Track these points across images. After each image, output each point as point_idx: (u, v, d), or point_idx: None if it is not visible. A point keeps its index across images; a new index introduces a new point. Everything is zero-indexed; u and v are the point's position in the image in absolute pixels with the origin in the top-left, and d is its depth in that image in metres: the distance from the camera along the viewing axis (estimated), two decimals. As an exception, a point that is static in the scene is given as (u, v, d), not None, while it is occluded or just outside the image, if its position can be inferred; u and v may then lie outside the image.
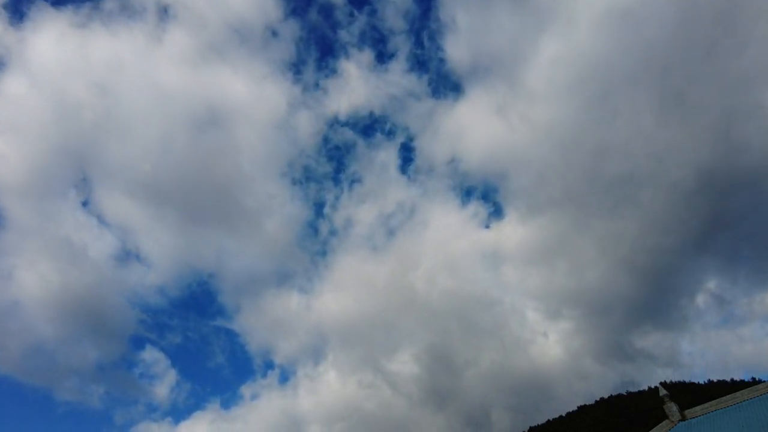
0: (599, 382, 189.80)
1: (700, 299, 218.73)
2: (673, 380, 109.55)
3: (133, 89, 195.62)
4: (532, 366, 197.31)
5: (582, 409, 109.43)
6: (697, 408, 25.87)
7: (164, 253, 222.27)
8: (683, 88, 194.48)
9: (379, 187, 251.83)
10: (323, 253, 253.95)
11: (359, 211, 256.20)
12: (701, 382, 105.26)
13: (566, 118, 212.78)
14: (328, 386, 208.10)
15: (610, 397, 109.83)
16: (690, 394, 73.82)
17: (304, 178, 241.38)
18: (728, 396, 25.12)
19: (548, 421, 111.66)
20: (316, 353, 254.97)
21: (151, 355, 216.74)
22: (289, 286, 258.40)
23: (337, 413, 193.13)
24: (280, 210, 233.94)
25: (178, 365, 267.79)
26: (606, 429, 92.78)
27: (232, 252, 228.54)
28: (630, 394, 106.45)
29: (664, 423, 26.23)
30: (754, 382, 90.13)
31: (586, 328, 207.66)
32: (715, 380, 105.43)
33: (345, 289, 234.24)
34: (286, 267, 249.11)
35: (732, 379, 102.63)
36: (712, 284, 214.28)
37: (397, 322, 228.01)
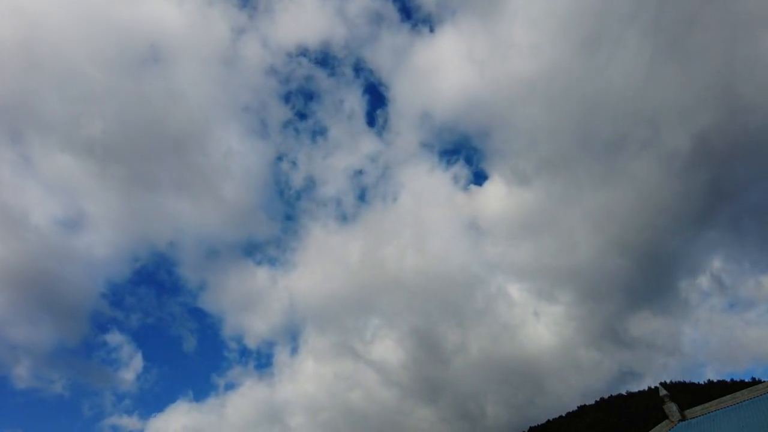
0: (595, 373, 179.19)
1: (703, 281, 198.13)
2: (674, 376, 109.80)
3: (65, 28, 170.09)
4: (523, 354, 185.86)
5: (582, 409, 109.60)
6: (697, 408, 25.85)
7: (114, 219, 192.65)
8: (679, 35, 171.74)
9: (346, 139, 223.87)
10: (290, 218, 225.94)
11: (326, 170, 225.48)
12: (701, 382, 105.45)
13: (553, 67, 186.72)
14: (308, 374, 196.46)
15: (610, 397, 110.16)
16: (690, 394, 73.76)
17: (261, 127, 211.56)
18: (728, 396, 25.10)
19: (548, 421, 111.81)
20: (292, 336, 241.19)
21: (114, 338, 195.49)
22: (256, 259, 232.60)
23: (320, 403, 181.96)
24: (239, 168, 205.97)
25: (144, 349, 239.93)
26: (606, 429, 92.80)
27: (189, 219, 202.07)
28: (630, 394, 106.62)
29: (664, 423, 26.20)
30: (754, 382, 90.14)
31: (580, 314, 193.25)
32: (715, 380, 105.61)
33: (316, 264, 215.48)
34: (251, 236, 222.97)
35: (732, 379, 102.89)
36: (715, 264, 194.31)
37: (375, 302, 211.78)
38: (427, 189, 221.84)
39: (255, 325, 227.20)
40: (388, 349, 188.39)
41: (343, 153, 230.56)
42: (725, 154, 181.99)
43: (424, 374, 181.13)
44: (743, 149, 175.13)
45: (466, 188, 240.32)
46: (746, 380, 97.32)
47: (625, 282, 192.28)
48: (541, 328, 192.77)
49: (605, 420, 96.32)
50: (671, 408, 26.32)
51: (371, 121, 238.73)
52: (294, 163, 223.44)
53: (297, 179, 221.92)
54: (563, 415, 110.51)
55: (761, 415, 22.32)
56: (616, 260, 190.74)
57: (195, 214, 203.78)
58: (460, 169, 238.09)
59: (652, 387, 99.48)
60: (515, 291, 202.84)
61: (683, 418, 25.79)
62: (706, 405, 25.60)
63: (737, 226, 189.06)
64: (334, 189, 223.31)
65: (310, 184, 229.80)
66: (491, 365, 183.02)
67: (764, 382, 25.28)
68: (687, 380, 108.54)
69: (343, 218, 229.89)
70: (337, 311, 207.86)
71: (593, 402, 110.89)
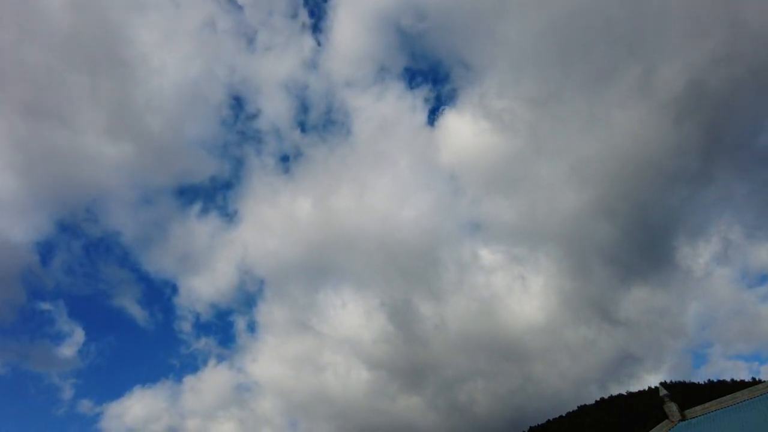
0: (588, 356, 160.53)
1: (706, 249, 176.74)
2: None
3: None
4: (506, 333, 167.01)
5: (582, 409, 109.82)
6: (697, 408, 25.84)
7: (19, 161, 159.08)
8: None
9: (283, 48, 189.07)
10: (224, 154, 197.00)
11: (258, 77, 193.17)
12: (701, 382, 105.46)
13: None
14: (272, 351, 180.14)
15: (610, 397, 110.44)
16: (690, 394, 73.77)
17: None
18: (728, 396, 25.10)
19: (548, 420, 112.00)
20: (248, 303, 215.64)
21: (51, 308, 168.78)
22: (195, 209, 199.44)
23: (290, 385, 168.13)
24: (155, 75, 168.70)
25: (84, 323, 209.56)
26: (606, 429, 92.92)
27: (107, 155, 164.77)
28: (630, 394, 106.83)
29: (664, 423, 26.21)
30: (754, 382, 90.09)
31: (565, 287, 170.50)
32: (715, 380, 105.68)
33: (261, 217, 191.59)
34: (183, 178, 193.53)
35: (732, 379, 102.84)
36: (720, 228, 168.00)
37: (334, 266, 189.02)
38: (387, 116, 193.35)
39: (206, 292, 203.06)
40: (356, 325, 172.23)
41: (278, 64, 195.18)
42: (727, 93, 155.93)
43: (402, 355, 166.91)
44: (748, 86, 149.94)
45: (431, 122, 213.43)
46: (746, 380, 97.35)
47: (616, 250, 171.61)
48: (522, 304, 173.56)
49: (605, 420, 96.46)
50: (671, 408, 26.32)
51: (316, 27, 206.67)
52: (219, 78, 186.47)
53: (224, 96, 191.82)
54: (563, 414, 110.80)
55: (761, 415, 22.32)
56: (604, 224, 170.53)
57: (112, 150, 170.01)
58: (427, 99, 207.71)
59: (653, 387, 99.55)
60: (491, 257, 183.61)
61: (683, 418, 25.78)
62: (706, 405, 25.59)
63: (744, 179, 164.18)
64: (270, 123, 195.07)
65: (240, 104, 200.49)
66: (473, 346, 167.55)
67: (764, 382, 25.29)
68: (687, 380, 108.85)
69: (285, 158, 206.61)
70: (293, 278, 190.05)
71: (593, 402, 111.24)
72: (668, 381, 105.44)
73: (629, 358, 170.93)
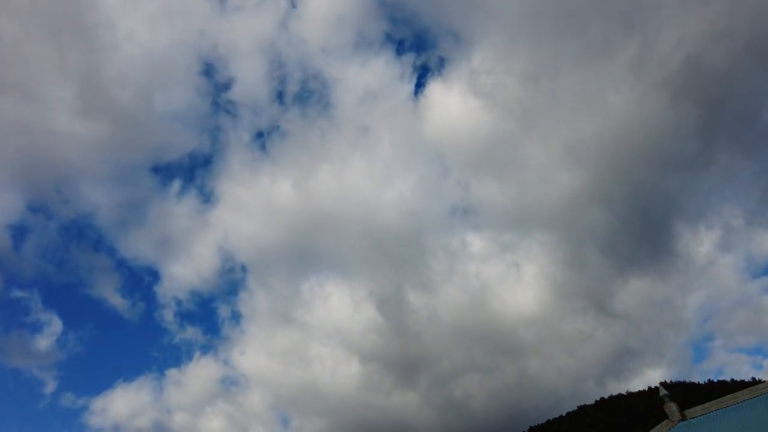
0: (585, 350, 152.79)
1: (707, 236, 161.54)
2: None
3: None
4: (499, 325, 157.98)
5: (582, 409, 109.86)
6: (697, 408, 25.80)
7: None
8: None
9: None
10: (199, 126, 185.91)
11: (230, 42, 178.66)
12: (701, 382, 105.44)
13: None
14: (261, 343, 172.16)
15: (610, 397, 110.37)
16: (690, 394, 73.75)
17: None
18: (728, 396, 25.08)
19: (548, 420, 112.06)
20: (231, 290, 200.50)
21: (22, 294, 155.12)
22: (177, 188, 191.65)
23: (278, 378, 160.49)
24: (124, 43, 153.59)
25: (61, 312, 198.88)
26: (606, 429, 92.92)
27: (77, 132, 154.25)
28: (630, 394, 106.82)
29: (664, 423, 26.17)
30: (754, 382, 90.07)
31: (560, 277, 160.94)
32: (715, 380, 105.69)
33: (239, 197, 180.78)
34: (162, 151, 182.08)
35: (732, 379, 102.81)
36: (722, 212, 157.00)
37: (318, 252, 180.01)
38: (369, 92, 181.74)
39: (187, 279, 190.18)
40: (345, 316, 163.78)
41: (250, 27, 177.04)
42: (726, 69, 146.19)
43: (394, 348, 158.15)
44: (749, 61, 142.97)
45: (416, 95, 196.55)
46: (746, 380, 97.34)
47: (613, 238, 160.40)
48: (515, 294, 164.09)
49: (605, 420, 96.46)
50: (671, 408, 26.27)
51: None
52: (189, 43, 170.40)
53: (195, 63, 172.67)
54: (563, 414, 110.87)
55: (761, 415, 22.33)
56: (600, 211, 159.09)
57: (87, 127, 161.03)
58: (413, 68, 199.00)
59: (653, 386, 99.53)
60: (481, 244, 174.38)
61: (683, 418, 25.75)
62: (706, 405, 25.55)
63: (747, 160, 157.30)
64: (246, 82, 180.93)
65: (212, 72, 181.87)
66: (466, 339, 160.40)
67: (764, 382, 25.28)
68: (687, 374, 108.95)
69: (261, 134, 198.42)
70: (276, 265, 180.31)
71: (593, 402, 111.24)
72: (668, 381, 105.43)
73: (628, 353, 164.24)
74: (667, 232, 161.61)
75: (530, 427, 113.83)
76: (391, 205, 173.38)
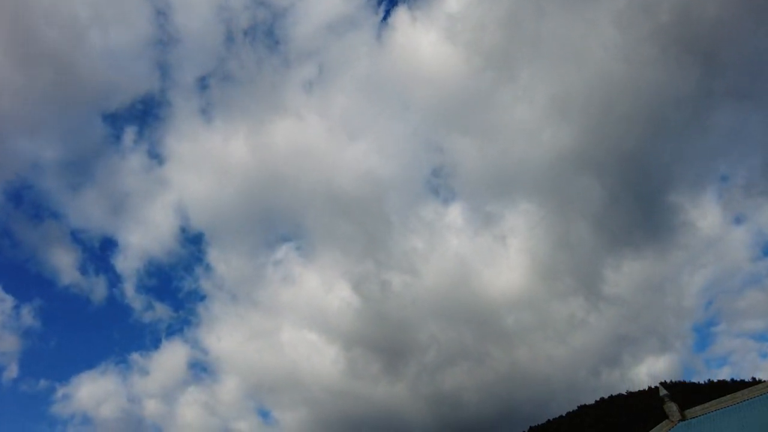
0: (577, 339, 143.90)
1: (709, 208, 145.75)
2: (674, 379, 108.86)
3: None
4: (484, 309, 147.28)
5: (582, 408, 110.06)
6: (697, 408, 25.82)
7: None
8: None
9: None
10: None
11: None
12: (701, 381, 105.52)
13: None
14: (231, 325, 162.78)
15: (610, 396, 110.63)
16: (690, 394, 73.79)
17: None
18: (728, 396, 25.10)
19: (548, 420, 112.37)
20: (194, 263, 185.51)
21: None
22: (128, 139, 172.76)
23: (252, 365, 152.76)
24: None
25: (12, 289, 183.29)
26: (606, 429, 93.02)
27: (7, 78, 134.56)
28: (630, 394, 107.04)
29: (664, 423, 26.17)
30: (754, 382, 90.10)
31: (546, 255, 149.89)
32: (715, 380, 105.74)
33: (192, 155, 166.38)
34: (103, 98, 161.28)
35: (732, 379, 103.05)
36: (727, 178, 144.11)
37: (278, 220, 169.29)
38: (326, 24, 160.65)
39: (146, 248, 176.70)
40: (320, 297, 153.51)
41: None
42: (723, 18, 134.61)
43: (374, 332, 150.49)
44: (748, 11, 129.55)
45: (382, 33, 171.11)
46: (746, 380, 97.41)
47: (604, 210, 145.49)
48: (499, 275, 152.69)
49: (605, 420, 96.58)
50: (671, 408, 26.27)
51: None
52: None
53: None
54: (563, 414, 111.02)
55: (761, 415, 22.34)
56: (589, 178, 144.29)
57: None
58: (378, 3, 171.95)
59: (653, 386, 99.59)
60: (460, 215, 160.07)
61: (683, 418, 25.74)
62: (706, 405, 25.56)
63: (755, 111, 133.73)
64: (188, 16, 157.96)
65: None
66: (451, 326, 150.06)
67: (764, 382, 25.33)
68: (687, 379, 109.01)
69: (206, 78, 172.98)
70: (238, 237, 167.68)
71: (593, 402, 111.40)
72: (669, 376, 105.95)
73: (624, 341, 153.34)
74: (664, 204, 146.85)
75: (530, 427, 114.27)
76: (354, 166, 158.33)
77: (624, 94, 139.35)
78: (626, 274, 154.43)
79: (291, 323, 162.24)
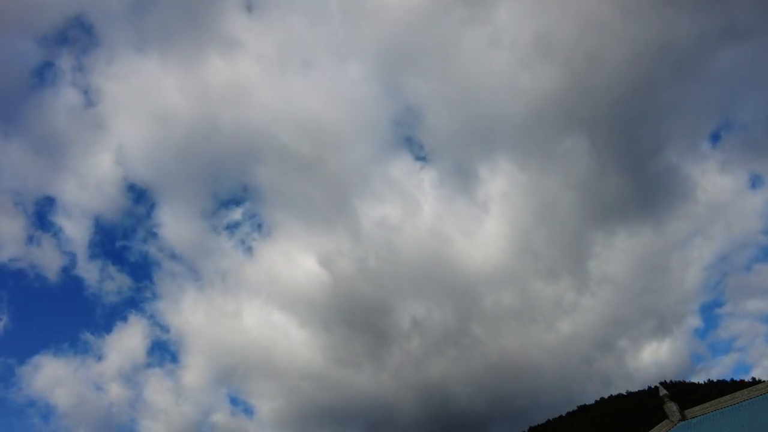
0: (570, 321, 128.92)
1: (715, 165, 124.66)
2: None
3: None
4: (462, 282, 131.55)
5: (582, 408, 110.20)
6: (697, 408, 25.84)
7: None
8: None
9: None
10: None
11: None
12: (701, 382, 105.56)
13: None
14: (193, 303, 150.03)
15: (610, 397, 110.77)
16: (690, 394, 73.81)
17: None
18: (728, 396, 25.13)
19: (548, 420, 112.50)
20: (143, 220, 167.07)
21: None
22: (48, 78, 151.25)
23: (218, 346, 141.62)
24: None
25: None
26: (606, 429, 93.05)
27: None
28: (630, 394, 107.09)
29: (664, 423, 26.18)
30: (754, 382, 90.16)
31: (525, 224, 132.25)
32: (715, 380, 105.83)
33: (130, 101, 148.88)
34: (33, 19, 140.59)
35: (732, 379, 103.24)
36: (740, 127, 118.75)
37: (227, 176, 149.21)
38: None
39: (89, 206, 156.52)
40: (286, 271, 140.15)
41: None
42: None
43: (351, 316, 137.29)
44: None
45: None
46: (746, 380, 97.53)
47: (593, 177, 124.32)
48: (477, 246, 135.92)
49: (605, 420, 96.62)
50: (671, 408, 26.29)
51: None
52: None
53: None
54: (563, 414, 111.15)
55: (761, 415, 22.37)
56: (577, 138, 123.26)
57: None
58: None
59: (652, 386, 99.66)
60: (431, 177, 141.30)
61: (683, 418, 25.76)
62: (706, 405, 25.59)
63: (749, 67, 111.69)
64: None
65: None
66: (433, 309, 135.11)
67: (764, 382, 25.38)
68: (687, 379, 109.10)
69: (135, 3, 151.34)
70: (185, 197, 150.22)
71: (593, 402, 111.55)
72: (668, 381, 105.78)
73: (620, 325, 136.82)
74: (659, 165, 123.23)
75: (530, 427, 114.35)
76: (302, 113, 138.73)
77: (611, 38, 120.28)
78: (620, 250, 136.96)
79: (255, 301, 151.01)
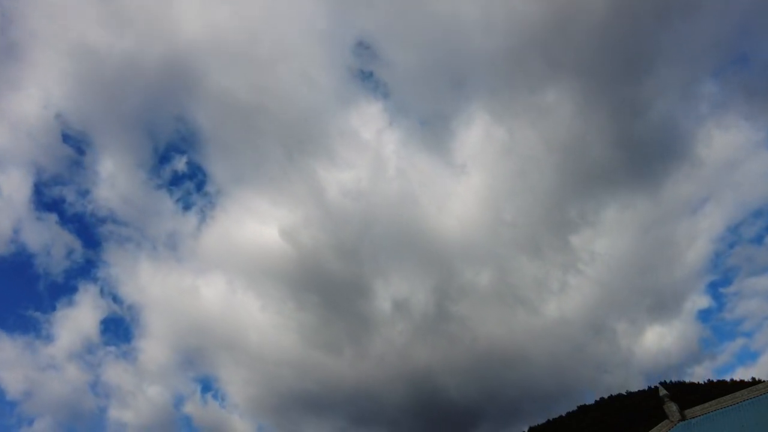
0: (558, 301, 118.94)
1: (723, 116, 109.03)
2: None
3: None
4: (439, 258, 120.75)
5: (582, 409, 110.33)
6: (697, 408, 25.84)
7: None
8: None
9: None
10: None
11: None
12: (701, 382, 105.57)
13: None
14: (152, 279, 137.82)
15: (610, 397, 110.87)
16: (690, 394, 73.83)
17: None
18: (728, 396, 25.15)
19: (548, 420, 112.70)
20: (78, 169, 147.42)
21: None
22: None
23: (178, 325, 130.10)
24: None
25: None
26: (606, 429, 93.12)
27: None
28: (630, 394, 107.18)
29: (663, 423, 26.17)
30: (754, 382, 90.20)
31: (502, 187, 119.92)
32: (715, 380, 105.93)
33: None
34: None
35: (732, 379, 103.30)
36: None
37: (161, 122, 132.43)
38: None
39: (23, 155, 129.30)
40: (242, 238, 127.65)
41: None
42: None
43: (318, 291, 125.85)
44: None
45: None
46: (746, 380, 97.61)
47: (571, 131, 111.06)
48: (447, 213, 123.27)
49: (605, 420, 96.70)
50: (671, 408, 26.28)
51: None
52: None
53: None
54: (563, 414, 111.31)
55: (761, 415, 22.42)
56: (552, 87, 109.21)
57: None
58: None
59: (652, 387, 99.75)
60: (399, 134, 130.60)
61: (683, 418, 25.76)
62: (706, 405, 25.60)
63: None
64: None
65: None
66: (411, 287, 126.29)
67: (764, 382, 25.42)
68: (687, 380, 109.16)
69: None
70: (122, 143, 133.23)
71: (593, 402, 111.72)
72: (668, 381, 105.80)
73: (615, 307, 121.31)
74: (654, 119, 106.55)
75: (530, 427, 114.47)
76: (238, 49, 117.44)
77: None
78: (612, 221, 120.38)
79: (213, 275, 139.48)
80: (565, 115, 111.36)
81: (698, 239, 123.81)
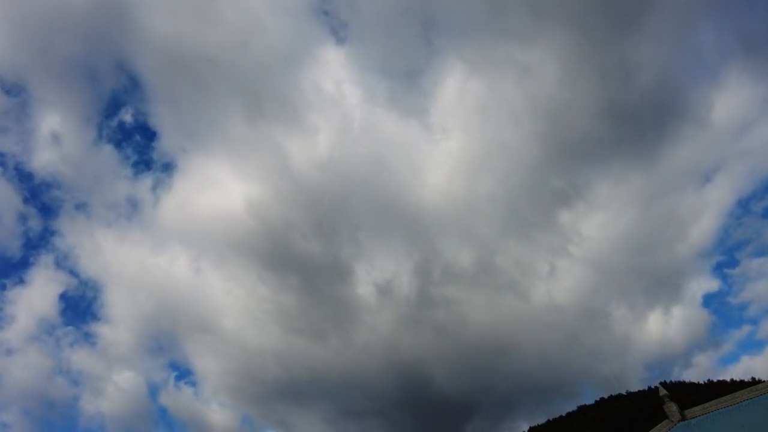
0: (549, 285, 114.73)
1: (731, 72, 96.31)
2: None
3: None
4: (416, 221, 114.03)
5: (582, 409, 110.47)
6: (697, 408, 25.81)
7: None
8: None
9: None
10: None
11: None
12: (701, 381, 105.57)
13: None
14: (113, 250, 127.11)
15: (610, 397, 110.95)
16: (690, 394, 73.84)
17: None
18: (728, 396, 25.13)
19: (548, 420, 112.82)
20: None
21: None
22: None
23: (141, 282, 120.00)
24: None
25: None
26: (606, 429, 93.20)
27: None
28: (630, 394, 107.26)
29: (663, 423, 26.15)
30: (754, 382, 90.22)
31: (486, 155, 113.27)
32: (715, 380, 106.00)
33: None
34: None
35: (732, 380, 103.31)
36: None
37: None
38: None
39: None
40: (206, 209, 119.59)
41: None
42: None
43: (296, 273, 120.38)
44: None
45: None
46: (746, 380, 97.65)
47: (556, 96, 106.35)
48: (428, 186, 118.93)
49: (605, 420, 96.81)
50: (671, 408, 26.25)
51: None
52: None
53: None
54: (563, 414, 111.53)
55: (761, 415, 22.40)
56: (536, 44, 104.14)
57: None
58: None
59: (652, 387, 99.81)
60: (364, 88, 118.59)
61: (683, 418, 25.73)
62: (706, 405, 25.57)
63: None
64: None
65: None
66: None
67: (764, 382, 25.40)
68: (687, 380, 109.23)
69: None
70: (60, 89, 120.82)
71: (593, 402, 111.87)
72: (668, 381, 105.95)
73: (610, 293, 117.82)
74: (649, 78, 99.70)
75: (530, 427, 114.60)
76: None
77: None
78: (606, 195, 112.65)
79: (177, 250, 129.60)
80: (548, 78, 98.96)
81: (704, 214, 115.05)
